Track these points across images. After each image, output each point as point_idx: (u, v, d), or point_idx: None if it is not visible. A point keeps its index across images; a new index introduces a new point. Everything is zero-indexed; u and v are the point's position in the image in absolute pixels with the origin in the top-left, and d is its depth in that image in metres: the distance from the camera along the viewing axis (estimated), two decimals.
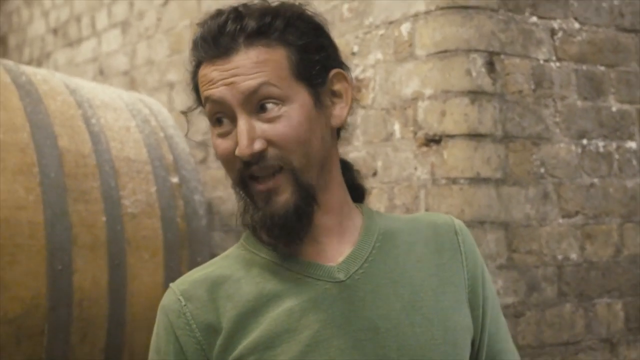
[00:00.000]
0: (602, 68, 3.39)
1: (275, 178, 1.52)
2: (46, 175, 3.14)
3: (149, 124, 3.73)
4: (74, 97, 3.49)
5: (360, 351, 1.52)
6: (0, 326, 2.99)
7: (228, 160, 1.55)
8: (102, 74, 5.52)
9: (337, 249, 1.60)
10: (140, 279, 3.35)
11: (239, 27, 1.52)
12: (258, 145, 1.50)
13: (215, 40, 1.53)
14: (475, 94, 3.04)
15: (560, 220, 3.23)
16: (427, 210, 3.07)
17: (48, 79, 3.51)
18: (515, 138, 3.12)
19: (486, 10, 3.09)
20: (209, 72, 1.54)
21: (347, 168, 1.71)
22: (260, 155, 1.50)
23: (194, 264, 3.49)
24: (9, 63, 3.49)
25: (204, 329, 1.55)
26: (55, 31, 6.32)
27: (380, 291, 1.57)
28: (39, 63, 6.52)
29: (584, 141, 3.31)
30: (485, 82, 3.06)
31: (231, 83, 1.51)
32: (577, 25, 3.33)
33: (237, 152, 1.50)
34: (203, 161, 4.38)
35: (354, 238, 1.62)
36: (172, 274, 3.45)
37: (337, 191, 1.63)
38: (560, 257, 3.22)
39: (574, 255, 3.25)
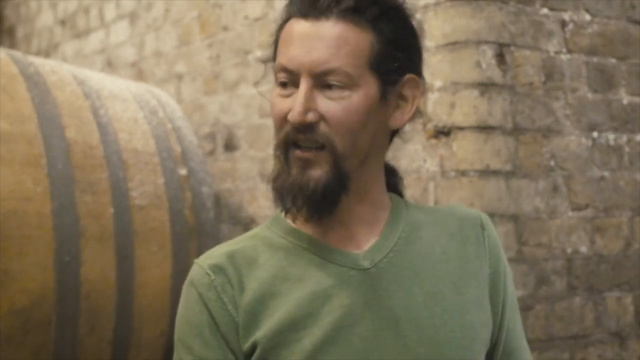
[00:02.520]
0: (613, 60, 3.37)
1: (316, 152, 1.53)
2: (54, 166, 3.14)
3: (157, 116, 3.72)
4: (82, 88, 3.48)
5: (380, 340, 1.52)
6: (8, 317, 2.99)
7: (279, 120, 1.56)
8: (110, 66, 5.52)
9: (364, 238, 1.61)
10: (148, 270, 3.35)
11: None
12: (311, 117, 1.51)
13: (312, 1, 1.54)
14: (485, 86, 3.02)
15: (570, 214, 3.21)
16: (436, 202, 3.06)
17: (56, 69, 3.51)
18: (525, 130, 3.11)
19: (496, 1, 3.07)
20: (295, 26, 1.55)
21: (392, 173, 1.72)
22: (309, 126, 1.52)
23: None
24: (17, 54, 3.48)
25: (233, 302, 1.56)
26: (63, 22, 6.32)
27: (404, 282, 1.57)
28: (47, 54, 6.52)
29: (595, 134, 3.29)
30: (495, 74, 3.05)
31: (308, 49, 1.52)
32: (587, 17, 3.31)
33: (289, 116, 1.52)
34: (211, 153, 4.38)
35: (380, 227, 1.63)
36: (179, 266, 3.44)
37: (374, 185, 1.63)
38: (569, 250, 3.20)
39: (583, 249, 3.24)
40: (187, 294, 1.62)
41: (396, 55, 1.57)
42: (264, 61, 1.68)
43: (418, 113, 1.64)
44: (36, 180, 3.08)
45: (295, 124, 1.52)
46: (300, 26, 1.54)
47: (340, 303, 1.53)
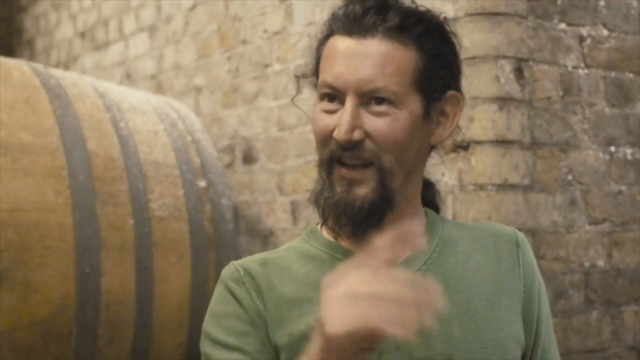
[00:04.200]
0: (631, 75, 3.38)
1: (362, 170, 1.53)
2: (75, 178, 3.16)
3: (176, 128, 3.75)
4: (102, 101, 3.51)
5: (410, 351, 1.52)
6: (29, 328, 3.02)
7: (324, 137, 1.56)
8: (129, 78, 5.55)
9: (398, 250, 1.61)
10: (167, 282, 3.37)
11: (382, 17, 1.54)
12: (357, 135, 1.51)
13: (357, 19, 1.54)
14: (503, 101, 3.04)
15: (588, 227, 3.22)
16: (454, 216, 3.07)
17: (77, 82, 3.54)
18: (543, 145, 3.12)
19: (515, 16, 3.09)
20: (339, 42, 1.56)
21: (428, 187, 1.73)
22: (356, 144, 1.52)
23: (220, 268, 3.49)
24: (39, 66, 3.51)
25: (260, 298, 1.57)
26: (82, 35, 6.36)
27: None
28: (66, 66, 6.55)
29: (612, 148, 3.30)
30: (514, 89, 3.06)
31: (354, 67, 1.52)
32: (605, 32, 3.33)
33: (335, 134, 1.52)
34: (230, 165, 4.40)
35: (415, 241, 1.61)
36: (198, 277, 3.46)
37: (414, 200, 1.64)
38: (587, 264, 3.21)
39: (601, 263, 3.24)
40: (217, 291, 1.63)
41: (439, 73, 1.57)
42: (299, 76, 1.69)
43: (457, 129, 1.65)
44: (58, 192, 3.11)
45: (342, 142, 1.52)
46: (345, 43, 1.55)
47: None
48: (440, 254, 1.63)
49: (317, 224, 1.66)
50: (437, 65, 1.57)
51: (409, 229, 1.63)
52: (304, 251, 1.64)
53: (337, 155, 1.54)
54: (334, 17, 1.59)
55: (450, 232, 1.68)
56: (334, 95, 1.55)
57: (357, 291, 1.22)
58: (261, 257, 1.64)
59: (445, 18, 1.64)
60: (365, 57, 1.52)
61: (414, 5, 1.61)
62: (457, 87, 1.63)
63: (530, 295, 1.68)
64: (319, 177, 1.59)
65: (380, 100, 1.52)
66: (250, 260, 1.63)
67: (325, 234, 1.64)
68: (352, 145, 1.52)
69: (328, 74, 1.55)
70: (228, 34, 4.50)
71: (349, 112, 1.51)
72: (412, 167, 1.59)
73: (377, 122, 1.52)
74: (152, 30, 5.30)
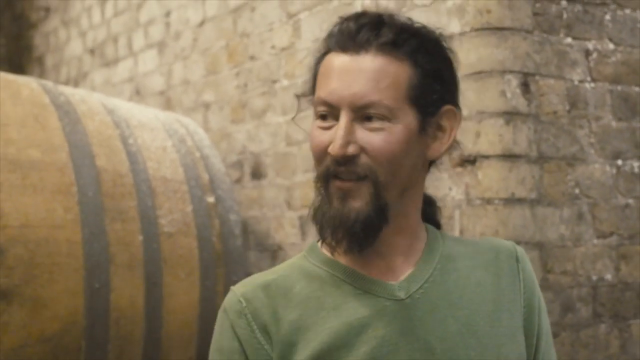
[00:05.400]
0: (637, 89, 3.38)
1: (357, 183, 1.53)
2: (84, 194, 3.18)
3: (185, 144, 3.76)
4: (111, 117, 3.53)
5: None
6: (39, 344, 3.03)
7: (320, 153, 1.57)
8: (138, 94, 5.57)
9: (399, 268, 1.61)
10: (176, 297, 3.38)
11: (375, 33, 1.55)
12: (351, 150, 1.52)
13: (351, 35, 1.56)
14: (510, 115, 3.04)
15: (595, 241, 3.22)
16: (461, 230, 3.08)
17: (86, 99, 3.56)
18: (550, 159, 3.13)
19: (521, 31, 3.10)
20: (334, 59, 1.57)
21: (429, 204, 1.73)
22: (350, 159, 1.53)
23: (229, 283, 3.51)
24: (48, 84, 3.53)
25: (264, 331, 1.57)
26: (92, 51, 6.39)
27: (438, 312, 1.57)
28: (76, 83, 6.58)
29: (619, 162, 3.30)
30: (520, 103, 3.07)
31: (348, 83, 1.53)
32: (611, 46, 3.33)
33: (329, 149, 1.53)
34: (238, 181, 4.41)
35: (416, 258, 1.63)
36: (207, 293, 3.47)
37: (413, 216, 1.64)
38: (595, 277, 3.21)
39: (608, 276, 3.24)
40: (220, 321, 1.63)
41: (434, 87, 1.57)
42: (299, 95, 1.70)
43: (455, 143, 1.65)
44: (67, 208, 3.13)
45: (336, 157, 1.52)
46: (339, 60, 1.56)
47: (375, 334, 1.53)
48: (441, 271, 1.63)
49: (318, 240, 1.66)
50: (432, 80, 1.57)
51: (410, 247, 1.64)
52: (304, 269, 1.64)
53: (333, 171, 1.54)
54: (329, 35, 1.60)
55: (450, 248, 1.68)
56: (329, 112, 1.56)
57: None
58: (262, 281, 1.63)
59: (441, 34, 1.64)
60: (359, 72, 1.53)
61: (410, 22, 1.61)
62: (453, 102, 1.63)
63: (531, 310, 1.68)
64: (317, 194, 1.60)
65: (373, 117, 1.53)
66: (252, 286, 1.62)
67: (324, 250, 1.64)
68: (346, 160, 1.53)
69: (323, 90, 1.56)
70: (236, 50, 4.52)
71: (343, 127, 1.52)
72: (408, 182, 1.59)
73: (372, 137, 1.52)
74: (161, 46, 5.32)
